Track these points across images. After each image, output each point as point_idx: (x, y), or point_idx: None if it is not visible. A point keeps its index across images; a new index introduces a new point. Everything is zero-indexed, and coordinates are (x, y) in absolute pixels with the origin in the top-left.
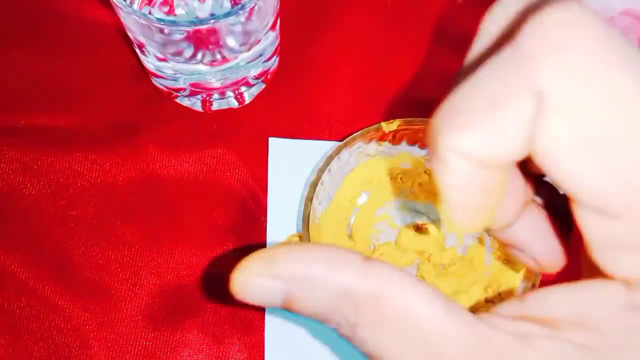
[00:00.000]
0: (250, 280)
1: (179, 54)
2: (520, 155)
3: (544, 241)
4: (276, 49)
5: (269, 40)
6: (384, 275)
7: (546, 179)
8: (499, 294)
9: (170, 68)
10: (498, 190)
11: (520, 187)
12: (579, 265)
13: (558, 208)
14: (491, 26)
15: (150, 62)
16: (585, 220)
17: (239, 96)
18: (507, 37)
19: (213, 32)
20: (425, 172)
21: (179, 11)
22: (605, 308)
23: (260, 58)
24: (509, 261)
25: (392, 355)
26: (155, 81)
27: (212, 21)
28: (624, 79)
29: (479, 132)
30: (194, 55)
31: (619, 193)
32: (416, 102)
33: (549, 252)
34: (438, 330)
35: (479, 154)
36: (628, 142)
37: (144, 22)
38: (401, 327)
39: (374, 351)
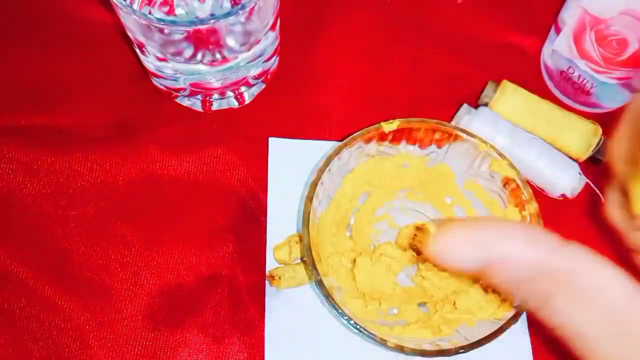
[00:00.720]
0: (453, 244)
1: (179, 54)
2: None
3: None
4: (276, 49)
5: (269, 40)
6: (580, 255)
7: None
8: (499, 295)
9: (170, 68)
10: None
11: None
12: None
13: None
14: None
15: (150, 62)
16: None
17: (239, 96)
18: None
19: (213, 32)
20: (425, 173)
21: (179, 11)
22: None
23: (260, 58)
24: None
25: (583, 326)
26: (155, 81)
27: (212, 21)
28: None
29: None
30: (194, 55)
31: None
32: (416, 102)
33: None
34: (632, 309)
35: None
36: None
37: (144, 22)
38: (595, 302)
39: (564, 322)
